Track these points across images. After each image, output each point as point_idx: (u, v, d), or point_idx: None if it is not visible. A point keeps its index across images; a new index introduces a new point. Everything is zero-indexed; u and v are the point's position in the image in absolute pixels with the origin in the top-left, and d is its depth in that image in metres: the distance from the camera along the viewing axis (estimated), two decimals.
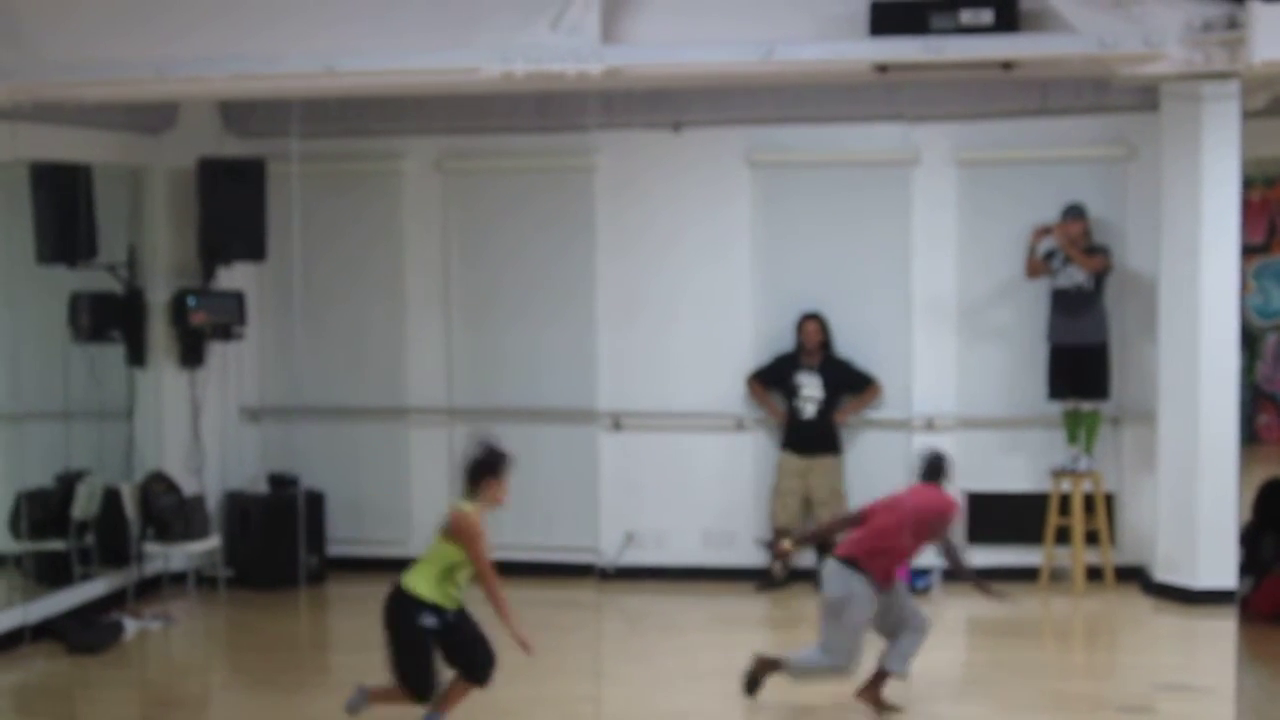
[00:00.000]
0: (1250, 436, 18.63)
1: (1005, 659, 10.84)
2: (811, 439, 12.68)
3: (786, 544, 10.91)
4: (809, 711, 9.59)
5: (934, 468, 9.81)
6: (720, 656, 10.90)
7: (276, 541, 12.60)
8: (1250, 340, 18.66)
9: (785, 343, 12.66)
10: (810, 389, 12.62)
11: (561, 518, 12.95)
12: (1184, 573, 11.83)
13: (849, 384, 12.65)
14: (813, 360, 12.61)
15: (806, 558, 12.73)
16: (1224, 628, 11.05)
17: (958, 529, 12.66)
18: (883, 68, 8.85)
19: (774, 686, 9.82)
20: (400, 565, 13.01)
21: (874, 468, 12.67)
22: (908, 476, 12.49)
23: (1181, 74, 8.82)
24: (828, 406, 12.62)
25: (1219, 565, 11.50)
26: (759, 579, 12.66)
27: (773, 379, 12.73)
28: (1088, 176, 12.42)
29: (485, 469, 8.90)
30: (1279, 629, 11.28)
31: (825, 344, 12.61)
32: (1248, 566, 11.68)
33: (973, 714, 9.55)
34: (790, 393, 12.67)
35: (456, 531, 8.79)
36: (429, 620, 8.85)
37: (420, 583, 8.86)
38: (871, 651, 9.56)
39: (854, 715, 9.46)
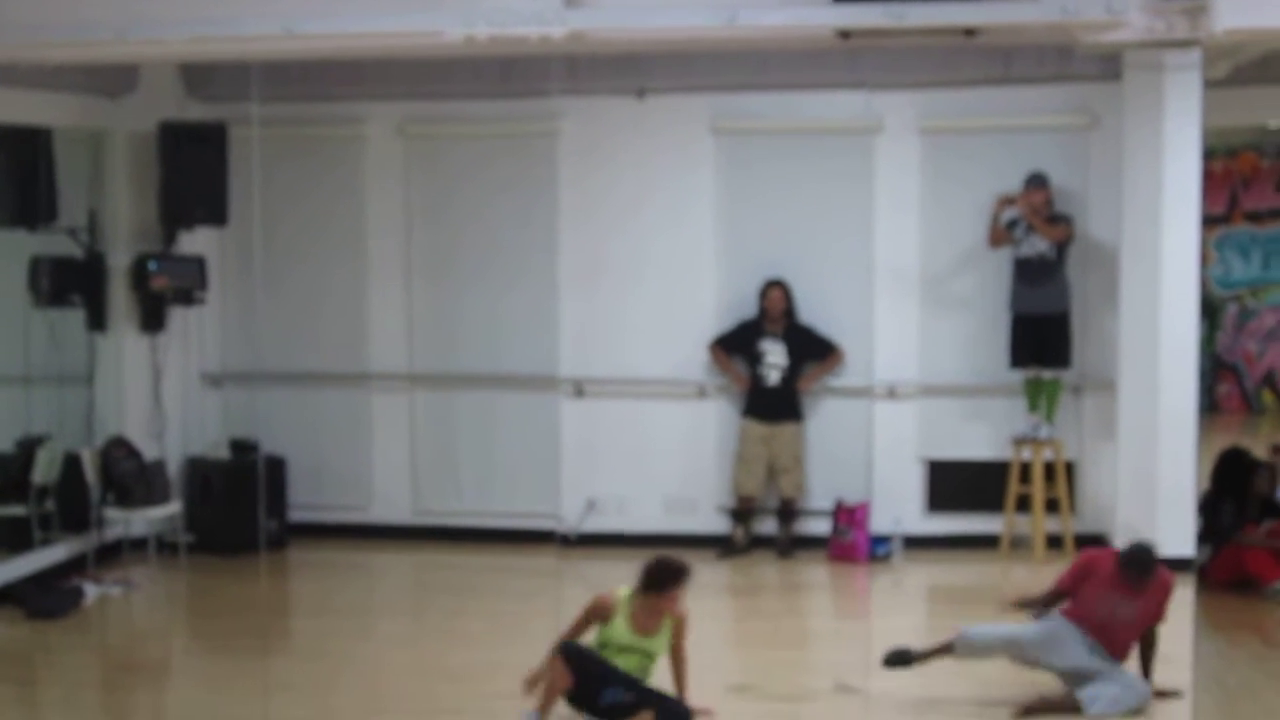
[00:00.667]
0: (1210, 406, 18.78)
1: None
2: (775, 406, 12.69)
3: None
4: (750, 689, 9.61)
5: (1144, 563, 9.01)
6: None
7: (237, 507, 12.55)
8: (1211, 310, 18.78)
9: (748, 310, 12.66)
10: (774, 356, 12.63)
11: (523, 484, 12.96)
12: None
13: (812, 351, 12.66)
14: (776, 327, 12.62)
15: (768, 524, 12.78)
16: (1181, 595, 11.08)
17: (917, 499, 12.75)
18: (845, 34, 8.84)
19: (719, 666, 9.85)
20: (361, 531, 13.14)
21: (835, 435, 12.72)
22: (866, 445, 12.61)
23: (1143, 41, 8.83)
24: (791, 373, 12.63)
25: (1177, 533, 11.53)
26: (721, 546, 12.68)
27: (736, 345, 12.74)
28: (1050, 145, 12.44)
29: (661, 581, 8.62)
30: (1236, 597, 11.35)
31: (789, 311, 12.62)
32: (1206, 535, 11.75)
33: (931, 683, 9.56)
34: (754, 359, 12.68)
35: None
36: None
37: None
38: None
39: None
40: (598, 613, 8.63)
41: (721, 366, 12.79)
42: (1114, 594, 8.87)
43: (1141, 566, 8.91)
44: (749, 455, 12.65)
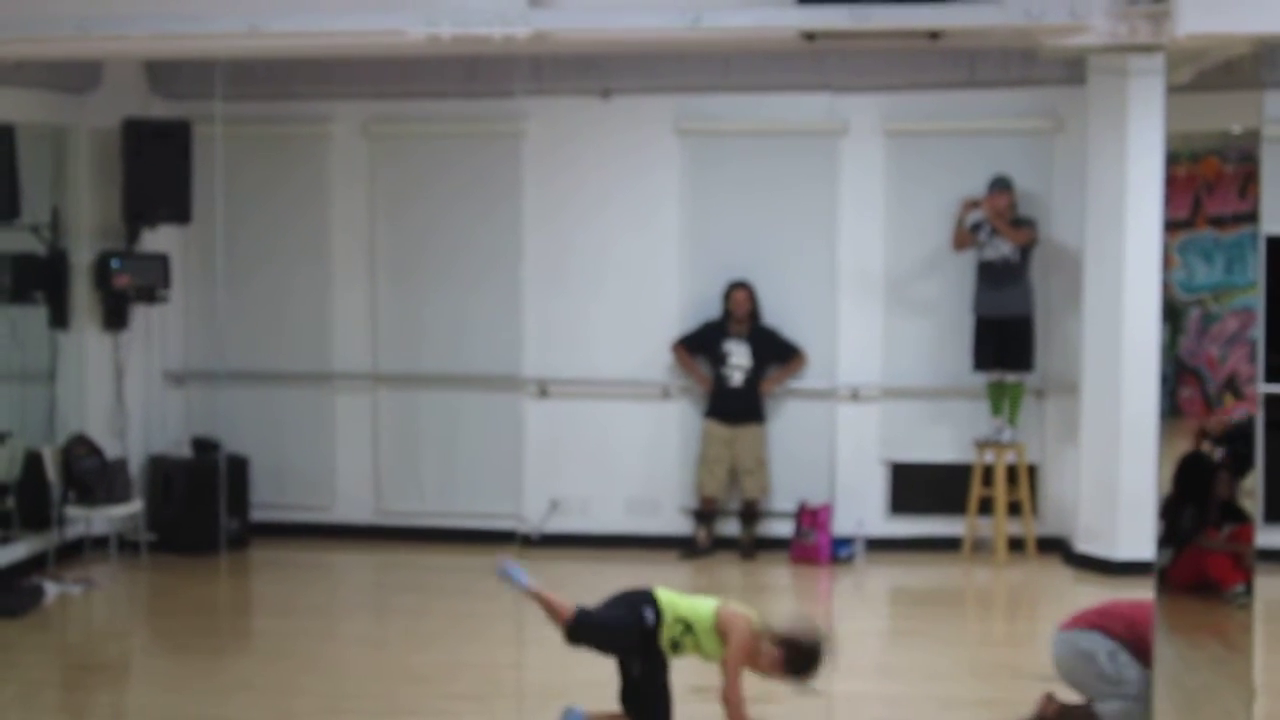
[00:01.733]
0: (1172, 410, 18.79)
1: (927, 628, 10.89)
2: (738, 408, 12.70)
3: None
4: (711, 690, 9.59)
5: None
6: None
7: (199, 506, 12.52)
8: (1174, 314, 18.79)
9: (711, 311, 12.67)
10: (738, 357, 12.63)
11: (486, 484, 12.94)
12: (1104, 544, 11.93)
13: (776, 353, 12.67)
14: (741, 329, 12.63)
15: (731, 526, 12.79)
16: (1142, 598, 11.13)
17: (880, 501, 12.77)
18: (810, 35, 8.83)
19: (681, 667, 9.83)
20: (324, 531, 13.11)
21: (798, 437, 12.74)
22: (829, 447, 12.63)
23: (1107, 46, 8.83)
24: (755, 375, 12.64)
25: (1138, 537, 11.55)
26: (683, 547, 12.68)
27: (699, 346, 12.74)
28: (1014, 149, 12.47)
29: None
30: (1197, 600, 11.37)
31: (753, 313, 12.63)
32: (1167, 539, 11.75)
33: (893, 684, 9.59)
34: (718, 361, 12.69)
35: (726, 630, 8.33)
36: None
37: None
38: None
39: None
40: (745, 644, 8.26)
41: (685, 367, 12.79)
42: None
43: None
44: (711, 457, 12.66)
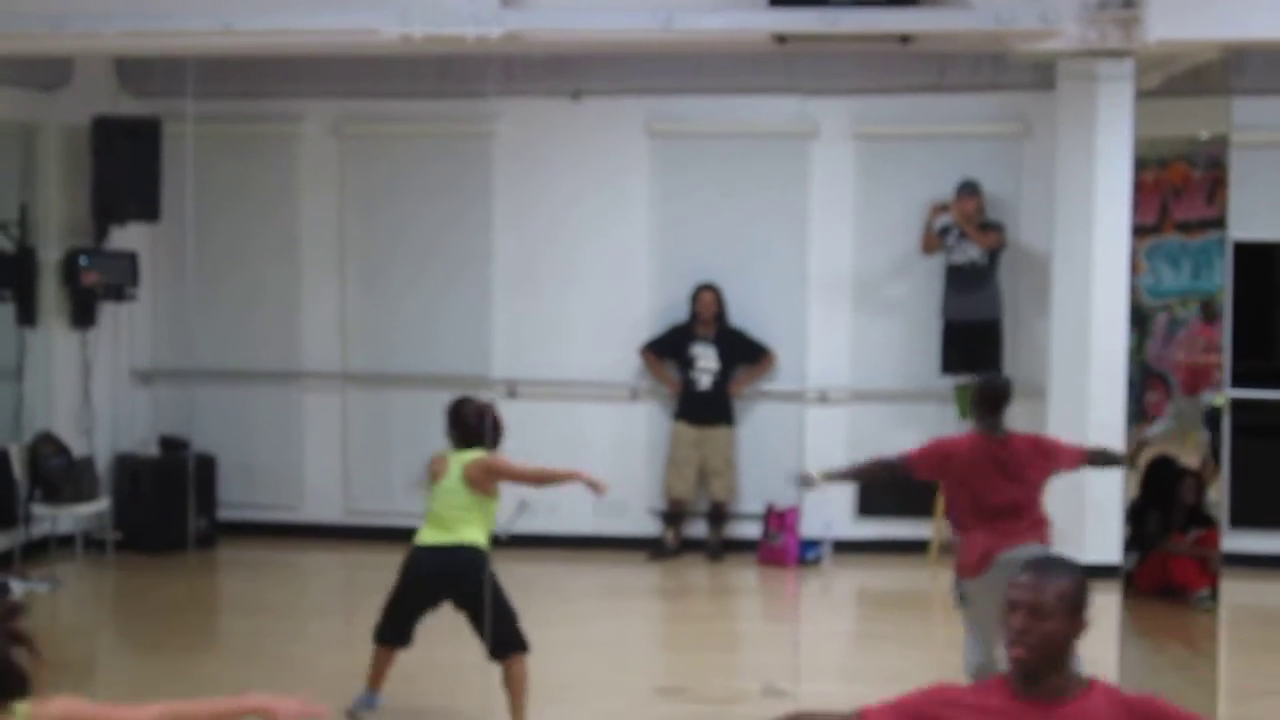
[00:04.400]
0: (1139, 414, 18.88)
1: (893, 631, 10.93)
2: (706, 409, 12.71)
3: (815, 476, 9.42)
4: (679, 691, 9.62)
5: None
6: (610, 626, 10.96)
7: (166, 505, 12.47)
8: (1141, 319, 18.88)
9: (680, 313, 12.69)
10: (706, 360, 12.65)
11: None
12: (1070, 547, 11.91)
13: (744, 354, 12.69)
14: (708, 331, 12.65)
15: (698, 527, 12.81)
16: (1107, 602, 11.14)
17: (848, 504, 12.79)
18: (781, 38, 8.87)
19: (648, 668, 9.87)
20: (292, 530, 13.09)
21: (767, 439, 12.76)
22: (798, 449, 12.66)
23: (1077, 51, 8.88)
24: (723, 377, 12.66)
25: (1105, 541, 11.61)
26: (651, 549, 12.69)
27: (667, 349, 12.76)
28: (983, 153, 12.52)
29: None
30: (1162, 605, 11.43)
31: (720, 314, 12.65)
32: (1133, 543, 11.82)
33: (859, 686, 9.59)
34: (686, 363, 12.70)
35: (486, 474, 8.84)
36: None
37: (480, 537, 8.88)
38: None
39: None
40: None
41: (654, 372, 12.81)
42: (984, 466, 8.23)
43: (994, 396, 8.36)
44: (680, 458, 12.68)
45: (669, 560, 12.60)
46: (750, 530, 12.68)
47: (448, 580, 8.79)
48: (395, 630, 8.88)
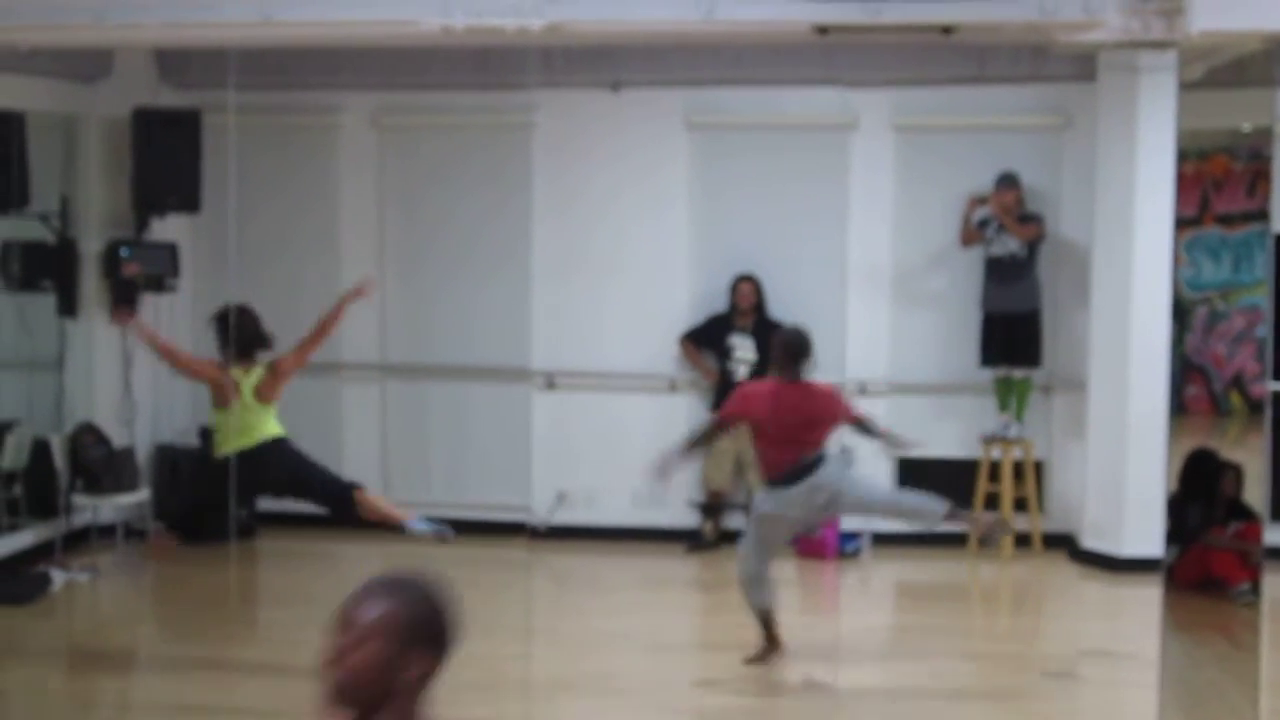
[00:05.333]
0: (1178, 408, 18.82)
1: (932, 623, 10.91)
2: None
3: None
4: (718, 683, 9.61)
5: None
6: (649, 618, 10.96)
7: (206, 495, 12.51)
8: (1181, 312, 18.81)
9: (720, 304, 12.67)
10: (743, 351, 12.63)
11: (494, 476, 12.94)
12: (1110, 541, 11.93)
13: None
14: (746, 322, 12.63)
15: (736, 519, 12.77)
16: (1148, 595, 11.15)
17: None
18: (823, 29, 8.86)
19: (687, 660, 9.87)
20: (331, 521, 13.08)
21: None
22: (837, 441, 12.64)
23: (1120, 42, 8.86)
24: (760, 368, 12.63)
25: (1145, 534, 11.58)
26: (689, 540, 12.69)
27: (705, 340, 12.75)
28: (1023, 145, 12.47)
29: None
30: (1202, 598, 11.39)
31: (759, 306, 12.63)
32: (1172, 536, 11.78)
33: (899, 678, 9.60)
34: (723, 354, 12.69)
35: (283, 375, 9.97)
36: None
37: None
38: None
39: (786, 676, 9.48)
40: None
41: (691, 361, 12.80)
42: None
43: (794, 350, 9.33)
44: (718, 450, 12.65)
45: (707, 552, 12.59)
46: None
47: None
48: None
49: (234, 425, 9.69)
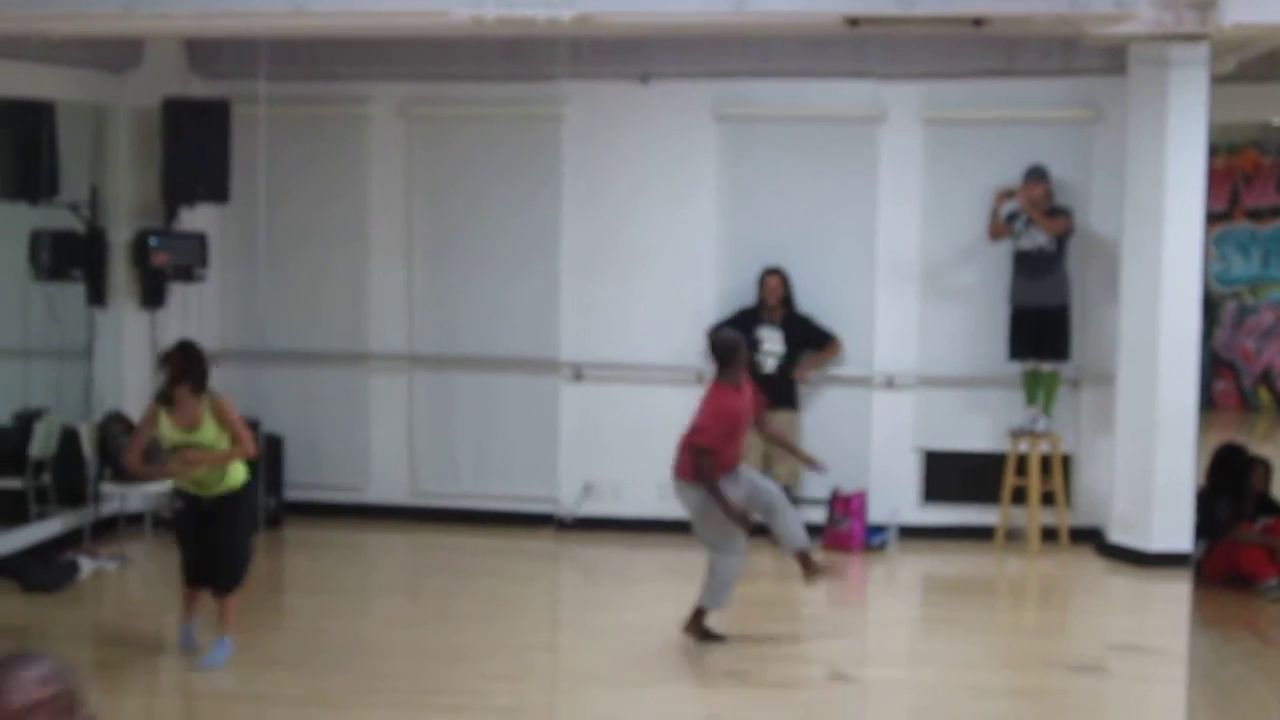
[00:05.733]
0: (1206, 403, 18.80)
1: (959, 617, 10.88)
2: (770, 394, 12.64)
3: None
4: (744, 675, 9.61)
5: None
6: (675, 609, 10.94)
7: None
8: (1210, 307, 18.80)
9: (748, 297, 12.66)
10: (771, 344, 12.62)
11: (521, 467, 12.96)
12: (1138, 535, 11.90)
13: (810, 340, 12.65)
14: (774, 315, 12.62)
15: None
16: (1176, 590, 11.14)
17: (914, 489, 12.75)
18: (854, 21, 8.87)
19: (713, 652, 9.86)
20: (358, 511, 13.15)
21: (833, 424, 12.71)
22: (865, 434, 12.64)
23: (1151, 35, 8.86)
24: (788, 362, 12.63)
25: (1173, 528, 11.57)
26: None
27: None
28: (1053, 138, 12.44)
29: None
30: (1230, 593, 11.36)
31: (787, 299, 12.61)
32: (1200, 531, 11.76)
33: (925, 671, 9.59)
34: (751, 347, 12.66)
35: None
36: (177, 504, 9.64)
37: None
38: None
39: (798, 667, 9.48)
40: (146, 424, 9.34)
41: None
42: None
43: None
44: (745, 444, 12.65)
45: None
46: (816, 515, 12.64)
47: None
48: None
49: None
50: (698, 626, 9.78)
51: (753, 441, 12.55)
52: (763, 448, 12.60)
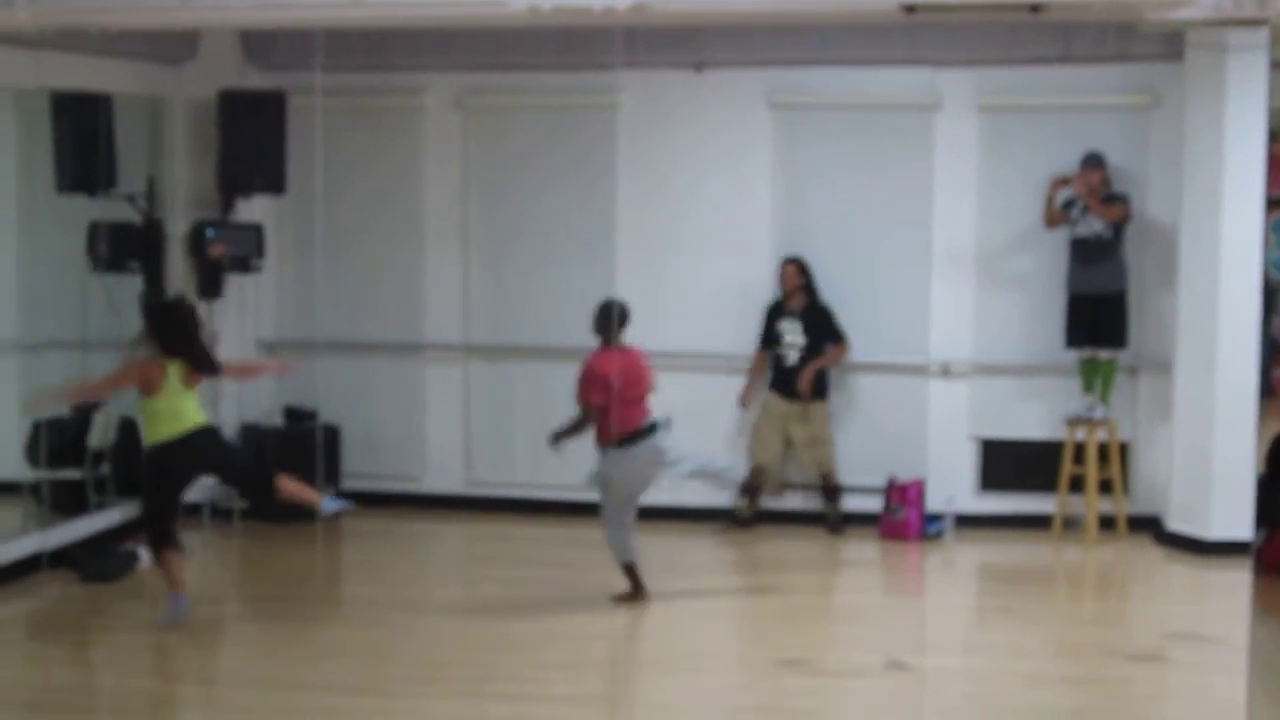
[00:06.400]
0: (1264, 390, 18.63)
1: (1015, 606, 10.84)
2: (794, 385, 12.63)
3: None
4: (801, 663, 9.61)
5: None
6: (730, 598, 10.98)
7: (291, 474, 12.57)
8: (1267, 294, 18.62)
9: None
10: (792, 335, 12.57)
11: (576, 457, 12.90)
12: (1197, 523, 11.84)
13: (825, 335, 12.56)
14: (794, 305, 12.56)
15: (795, 500, 12.74)
16: (1235, 579, 11.08)
17: (970, 478, 12.71)
18: (910, 8, 8.82)
19: (770, 640, 9.86)
20: (414, 501, 13.19)
21: (889, 412, 12.68)
22: (921, 422, 12.60)
23: (1210, 20, 8.80)
24: (809, 353, 12.55)
25: (1233, 516, 11.51)
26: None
27: (767, 337, 12.69)
28: (1110, 125, 12.37)
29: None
30: None
31: (807, 288, 12.54)
32: (1261, 519, 11.68)
33: (982, 660, 9.56)
34: (774, 339, 12.63)
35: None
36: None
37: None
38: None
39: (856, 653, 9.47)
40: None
41: (753, 374, 12.79)
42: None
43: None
44: (765, 429, 12.62)
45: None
46: (872, 504, 12.61)
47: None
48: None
49: (165, 412, 9.90)
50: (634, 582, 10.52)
51: (773, 427, 12.52)
52: (784, 435, 12.55)
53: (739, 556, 12.20)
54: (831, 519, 12.66)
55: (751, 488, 12.63)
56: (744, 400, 12.78)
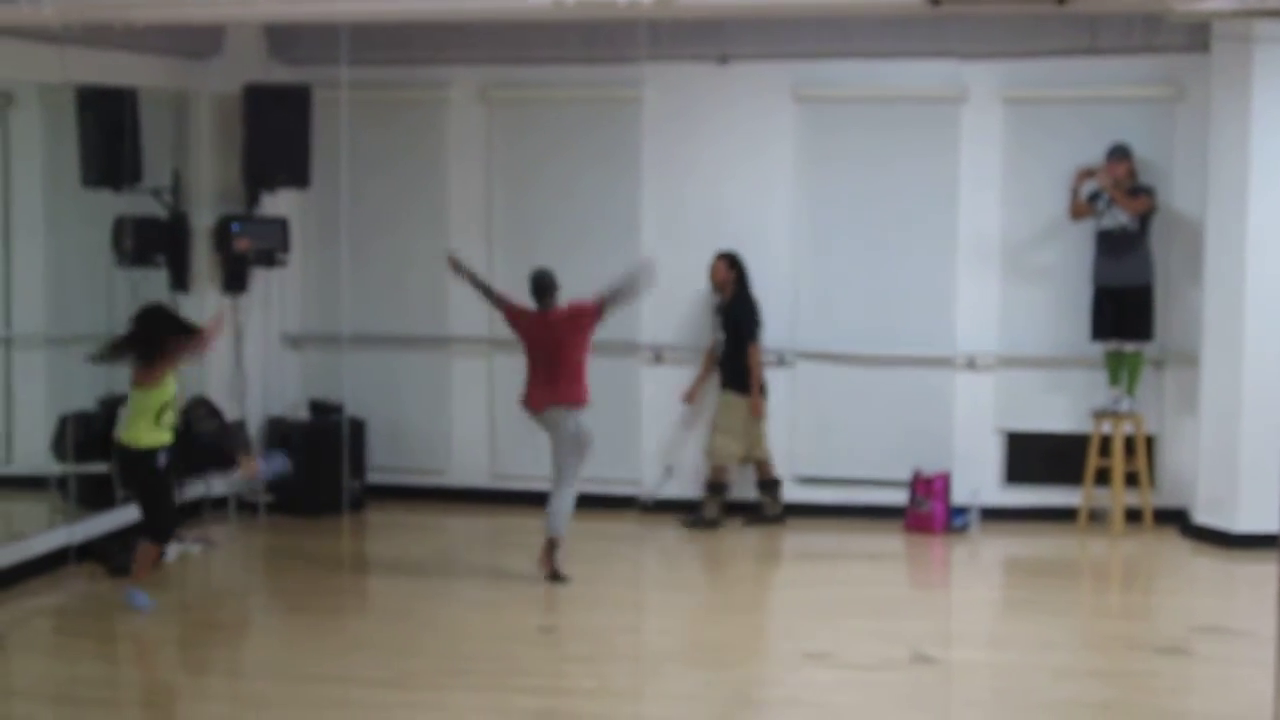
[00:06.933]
0: None
1: (1041, 599, 10.83)
2: (724, 375, 12.62)
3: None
4: (827, 656, 9.59)
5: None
6: (756, 590, 10.98)
7: (316, 468, 12.62)
8: None
9: (828, 279, 12.66)
10: (715, 328, 12.61)
11: (602, 449, 12.90)
12: (1224, 516, 11.82)
13: (744, 330, 12.53)
14: (722, 299, 12.54)
15: (798, 492, 12.73)
16: (1263, 572, 11.00)
17: (996, 470, 12.68)
18: (937, 1, 8.78)
19: (796, 633, 9.85)
20: (439, 494, 13.20)
21: (914, 405, 12.65)
22: (947, 415, 12.58)
23: (1237, 11, 8.72)
24: (730, 348, 12.51)
25: (1260, 509, 11.46)
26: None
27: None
28: (1135, 117, 12.34)
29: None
30: None
31: (736, 281, 12.48)
32: None
33: (1008, 653, 9.55)
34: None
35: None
36: (162, 460, 10.30)
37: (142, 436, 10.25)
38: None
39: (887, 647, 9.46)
40: None
41: (701, 369, 12.86)
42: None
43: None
44: (725, 428, 12.55)
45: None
46: (898, 497, 12.60)
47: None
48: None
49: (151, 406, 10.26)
50: (550, 561, 10.87)
51: (733, 425, 12.48)
52: (744, 431, 12.49)
53: (763, 548, 12.19)
54: (769, 511, 12.57)
55: (717, 488, 12.59)
56: (688, 395, 12.79)
